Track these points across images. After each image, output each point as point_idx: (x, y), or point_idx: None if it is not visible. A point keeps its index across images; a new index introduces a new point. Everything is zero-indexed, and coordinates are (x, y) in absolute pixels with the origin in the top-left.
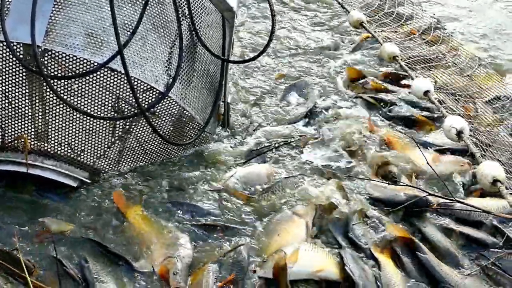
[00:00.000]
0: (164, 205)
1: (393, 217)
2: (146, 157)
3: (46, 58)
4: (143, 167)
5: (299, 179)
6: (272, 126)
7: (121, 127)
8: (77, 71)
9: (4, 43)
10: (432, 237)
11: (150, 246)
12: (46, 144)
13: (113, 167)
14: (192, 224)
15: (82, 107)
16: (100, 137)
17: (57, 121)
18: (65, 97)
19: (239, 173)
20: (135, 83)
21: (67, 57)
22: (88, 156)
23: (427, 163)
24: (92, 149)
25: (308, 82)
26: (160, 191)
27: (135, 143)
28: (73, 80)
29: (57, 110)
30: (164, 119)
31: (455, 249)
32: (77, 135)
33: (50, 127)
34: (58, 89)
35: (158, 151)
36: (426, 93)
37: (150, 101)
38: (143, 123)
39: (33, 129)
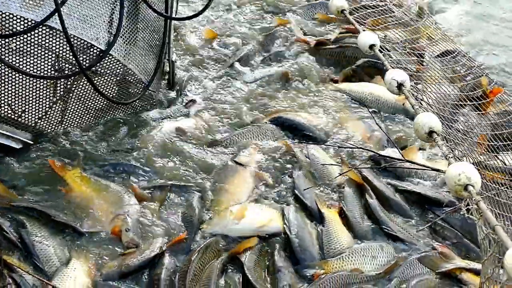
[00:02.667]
0: (105, 166)
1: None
2: (90, 117)
3: None
4: (81, 129)
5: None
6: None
7: (62, 86)
8: (15, 30)
9: None
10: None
11: (94, 207)
12: None
13: (56, 128)
14: (139, 183)
15: (21, 67)
16: (41, 97)
17: None
18: (3, 56)
19: (165, 128)
20: (75, 41)
21: (4, 16)
22: (30, 117)
23: (377, 123)
24: (34, 110)
25: None
26: (100, 152)
27: (77, 103)
28: (11, 38)
29: None
30: (107, 78)
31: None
32: (17, 95)
33: None
34: None
35: (102, 110)
36: (371, 46)
37: (91, 59)
38: (85, 83)
39: None
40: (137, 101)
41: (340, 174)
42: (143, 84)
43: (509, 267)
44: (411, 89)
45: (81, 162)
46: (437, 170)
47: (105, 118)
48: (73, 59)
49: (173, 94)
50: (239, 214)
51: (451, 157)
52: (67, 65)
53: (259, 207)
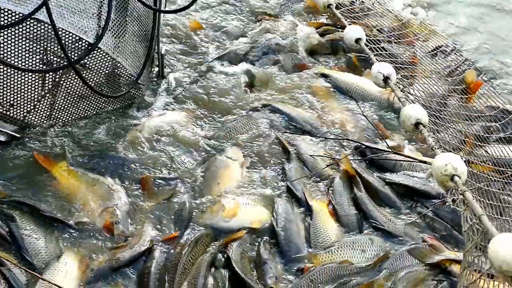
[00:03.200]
0: (93, 160)
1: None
2: (79, 111)
3: None
4: (67, 123)
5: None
6: None
7: (50, 80)
8: (2, 23)
9: None
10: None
11: (82, 200)
12: None
13: (44, 121)
14: (127, 177)
15: (9, 60)
16: (30, 90)
17: None
18: None
19: (149, 123)
20: (63, 34)
21: None
22: (18, 111)
23: (363, 115)
24: (22, 103)
25: None
26: (87, 146)
27: (66, 96)
28: None
29: None
30: (96, 71)
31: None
32: (5, 89)
33: None
34: None
35: (91, 104)
36: (357, 40)
37: (80, 53)
38: (74, 76)
39: None
40: (126, 94)
41: (327, 166)
42: (132, 77)
43: (493, 255)
44: (398, 81)
45: (68, 156)
46: (424, 162)
47: (94, 111)
48: (62, 52)
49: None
50: (231, 212)
51: (437, 148)
52: (55, 59)
53: (251, 203)
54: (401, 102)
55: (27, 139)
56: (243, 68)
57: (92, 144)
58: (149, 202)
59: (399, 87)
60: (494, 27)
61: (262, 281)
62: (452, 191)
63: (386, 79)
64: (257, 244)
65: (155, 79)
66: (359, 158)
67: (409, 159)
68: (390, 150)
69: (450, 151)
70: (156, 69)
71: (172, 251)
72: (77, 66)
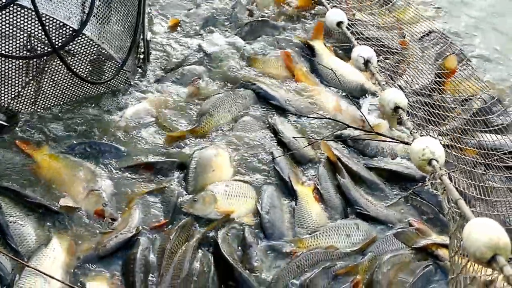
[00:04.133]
0: (78, 146)
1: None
2: (64, 97)
3: None
4: (48, 108)
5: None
6: None
7: (35, 66)
8: None
9: None
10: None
11: (67, 184)
12: None
13: (29, 108)
14: (112, 164)
15: None
16: (14, 77)
17: None
18: None
19: (127, 113)
20: (47, 20)
21: None
22: (2, 97)
23: (347, 95)
24: (6, 90)
25: None
26: (69, 131)
27: (51, 83)
28: None
29: None
30: (81, 57)
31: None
32: None
33: None
34: None
35: (76, 90)
36: (339, 24)
37: (64, 39)
38: (59, 62)
39: None
40: (111, 80)
41: (309, 144)
42: (117, 64)
43: (467, 241)
44: (379, 65)
45: (49, 141)
46: (405, 143)
47: (80, 98)
48: (46, 38)
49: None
50: (223, 210)
51: (416, 132)
52: (39, 45)
53: (242, 194)
54: (381, 86)
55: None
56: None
57: (74, 129)
58: (136, 189)
59: (380, 70)
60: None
61: (248, 264)
62: (431, 175)
63: (366, 62)
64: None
65: (141, 65)
66: (341, 139)
67: (390, 139)
68: (372, 130)
69: (428, 135)
70: (142, 55)
71: (159, 237)
72: (62, 52)
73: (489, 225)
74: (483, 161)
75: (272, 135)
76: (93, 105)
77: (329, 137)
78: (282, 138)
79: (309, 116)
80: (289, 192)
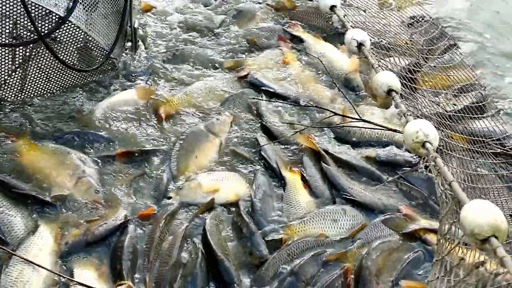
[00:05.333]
0: (65, 135)
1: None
2: (51, 85)
3: None
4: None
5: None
6: None
7: (21, 54)
8: None
9: None
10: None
11: (53, 173)
12: None
13: (16, 96)
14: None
15: None
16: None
17: None
18: None
19: (102, 105)
20: (32, 8)
21: None
22: None
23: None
24: None
25: None
26: (52, 120)
27: (38, 71)
28: None
29: None
30: (68, 45)
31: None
32: None
33: None
34: None
35: (64, 78)
36: (332, 8)
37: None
38: (45, 50)
39: None
40: (98, 68)
41: (295, 133)
42: (104, 51)
43: (465, 221)
44: (372, 48)
45: (32, 130)
46: (394, 130)
47: (67, 85)
48: (31, 26)
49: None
50: (209, 190)
51: (409, 115)
52: (25, 32)
53: (227, 178)
54: (375, 69)
55: None
56: None
57: (58, 118)
58: (123, 176)
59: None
60: None
61: (257, 252)
62: (425, 158)
63: (359, 45)
64: (235, 215)
65: (129, 53)
66: (331, 126)
67: (379, 127)
68: (360, 118)
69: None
70: (129, 43)
71: (148, 225)
72: (48, 40)
73: (489, 207)
74: (472, 147)
75: (258, 120)
76: (78, 94)
77: (316, 124)
78: (266, 124)
79: (296, 104)
80: (277, 178)
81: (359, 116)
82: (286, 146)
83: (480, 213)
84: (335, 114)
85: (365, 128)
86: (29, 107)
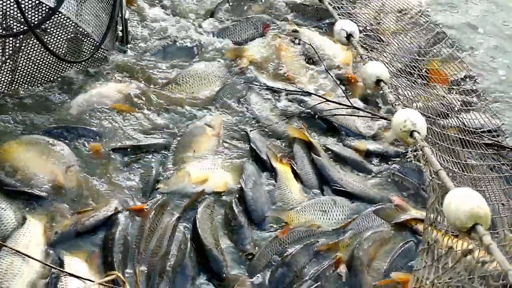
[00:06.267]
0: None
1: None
2: (42, 77)
3: None
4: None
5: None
6: None
7: (11, 45)
8: None
9: None
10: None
11: (40, 165)
12: None
13: (6, 88)
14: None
15: None
16: None
17: None
18: None
19: (79, 99)
20: None
21: None
22: None
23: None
24: None
25: None
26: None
27: (28, 62)
28: None
29: None
30: (58, 36)
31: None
32: None
33: None
34: None
35: (54, 70)
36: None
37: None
38: (35, 41)
39: None
40: (89, 59)
41: (285, 118)
42: (95, 43)
43: (447, 210)
44: (361, 40)
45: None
46: (384, 118)
47: (57, 77)
48: (21, 17)
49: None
50: (198, 180)
51: (398, 105)
52: (15, 23)
53: (218, 170)
54: (363, 59)
55: None
56: None
57: (53, 111)
58: (114, 169)
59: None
60: None
61: (241, 246)
62: (413, 147)
63: (349, 36)
64: (227, 206)
65: (119, 44)
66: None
67: (369, 114)
68: (351, 105)
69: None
70: (120, 34)
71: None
72: (38, 31)
73: (469, 194)
74: (462, 137)
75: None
76: (64, 87)
77: (304, 112)
78: (253, 114)
79: (286, 90)
80: (267, 169)
81: (350, 103)
82: (276, 138)
83: (458, 204)
84: (327, 100)
85: (356, 116)
86: (9, 100)
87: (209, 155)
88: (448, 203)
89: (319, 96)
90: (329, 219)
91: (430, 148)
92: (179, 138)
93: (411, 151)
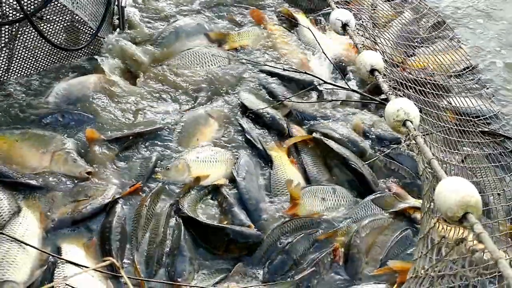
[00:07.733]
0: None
1: None
2: (38, 65)
3: None
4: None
5: None
6: None
7: (7, 33)
8: None
9: None
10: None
11: (26, 153)
12: None
13: (2, 76)
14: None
15: None
16: None
17: None
18: None
19: (57, 88)
20: None
21: None
22: None
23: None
24: None
25: None
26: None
27: (24, 50)
28: None
29: None
30: (55, 24)
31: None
32: None
33: None
34: None
35: (51, 58)
36: None
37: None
38: (32, 29)
39: None
40: (85, 47)
41: (277, 102)
42: (91, 30)
43: (438, 201)
44: (357, 28)
45: None
46: (381, 102)
47: (54, 65)
48: (17, 4)
49: None
50: (197, 175)
51: (391, 94)
52: (11, 11)
53: (216, 159)
54: (359, 49)
55: None
56: None
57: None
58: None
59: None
60: None
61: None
62: (406, 136)
63: (344, 25)
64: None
65: (116, 32)
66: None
67: (366, 99)
68: (348, 87)
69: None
70: (117, 22)
71: (134, 204)
72: (34, 19)
73: (459, 183)
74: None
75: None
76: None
77: (299, 93)
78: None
79: (285, 69)
80: (261, 156)
81: (348, 86)
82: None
83: (448, 193)
84: (325, 82)
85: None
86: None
87: (209, 146)
88: (439, 193)
89: (316, 77)
90: (326, 207)
91: (423, 137)
92: (180, 127)
93: (404, 140)
